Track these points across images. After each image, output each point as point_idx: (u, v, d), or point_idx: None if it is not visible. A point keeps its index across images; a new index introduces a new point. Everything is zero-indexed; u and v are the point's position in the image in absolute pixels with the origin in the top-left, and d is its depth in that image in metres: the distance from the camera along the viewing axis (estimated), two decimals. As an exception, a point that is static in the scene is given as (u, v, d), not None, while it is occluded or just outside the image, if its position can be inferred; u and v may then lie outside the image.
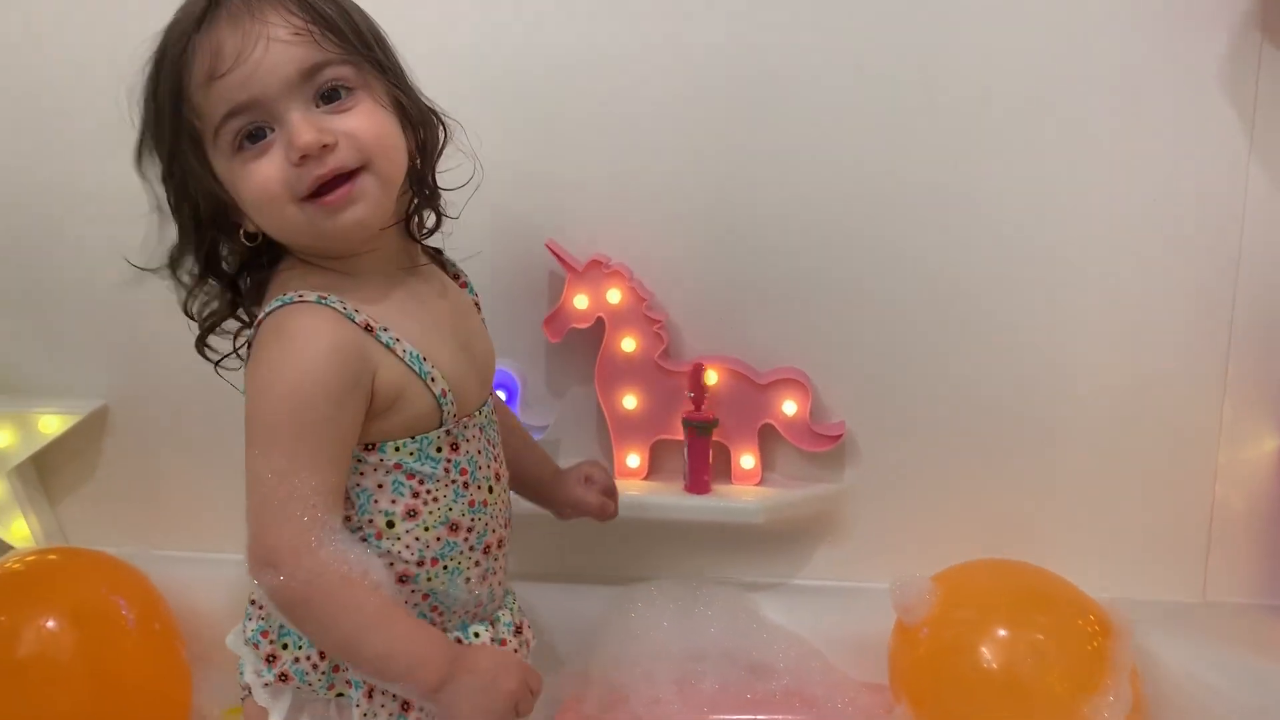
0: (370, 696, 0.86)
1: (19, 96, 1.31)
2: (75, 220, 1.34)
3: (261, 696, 0.89)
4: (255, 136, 0.80)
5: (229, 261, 0.89)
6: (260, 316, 0.84)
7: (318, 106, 0.81)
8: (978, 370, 1.28)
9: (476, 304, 1.01)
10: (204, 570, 1.34)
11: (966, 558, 1.22)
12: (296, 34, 0.79)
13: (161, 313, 1.34)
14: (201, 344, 0.91)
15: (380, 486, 0.86)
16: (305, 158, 0.79)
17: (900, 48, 1.22)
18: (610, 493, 1.14)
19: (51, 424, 1.35)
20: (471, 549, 0.91)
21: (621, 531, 1.30)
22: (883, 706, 1.16)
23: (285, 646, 0.88)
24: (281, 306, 0.82)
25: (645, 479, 1.31)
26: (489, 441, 0.93)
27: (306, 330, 0.80)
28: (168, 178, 0.85)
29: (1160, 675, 1.14)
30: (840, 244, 1.27)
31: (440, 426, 0.87)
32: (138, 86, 0.83)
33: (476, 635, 0.91)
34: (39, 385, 1.38)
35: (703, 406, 1.26)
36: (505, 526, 0.95)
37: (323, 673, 0.87)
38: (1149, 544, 1.32)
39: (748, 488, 1.29)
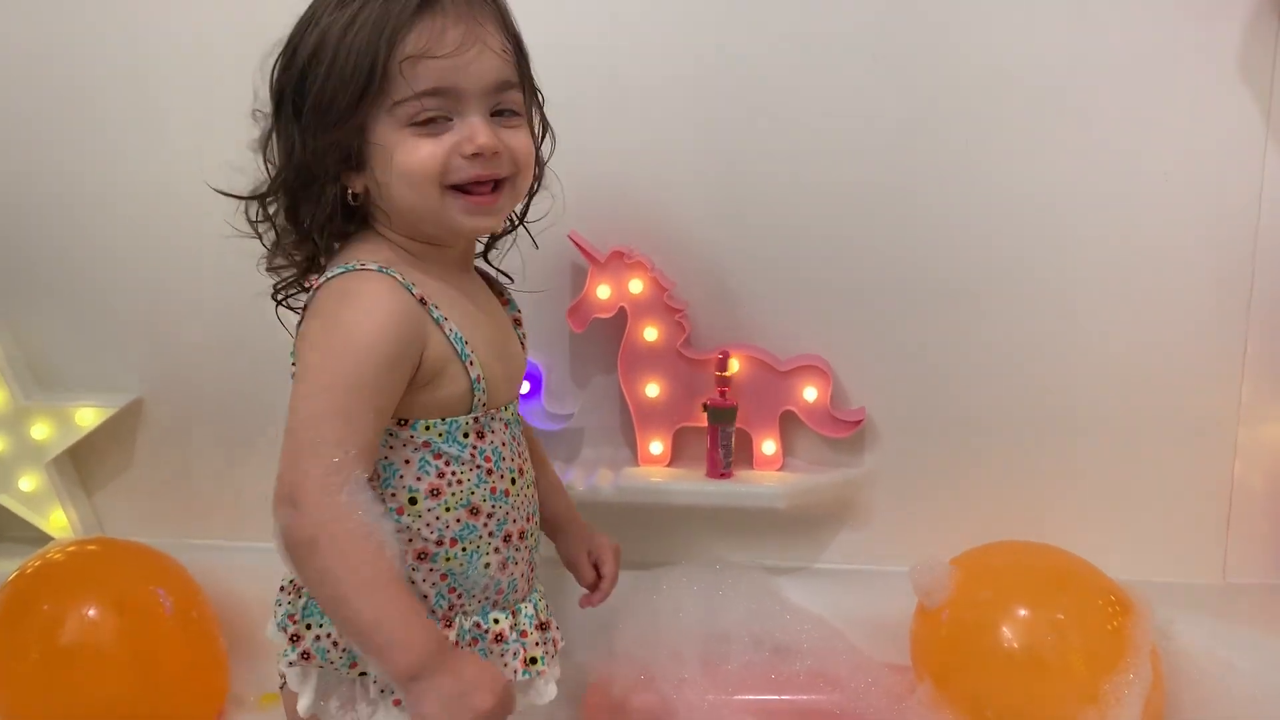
0: None
1: (56, 99, 1.34)
2: (110, 219, 1.37)
3: (292, 680, 0.92)
4: (434, 121, 0.86)
5: (309, 220, 0.92)
6: (321, 280, 0.88)
7: (491, 116, 0.88)
8: (996, 356, 1.30)
9: (517, 320, 1.04)
10: (239, 559, 1.37)
11: (986, 541, 1.23)
12: (503, 50, 0.89)
13: (194, 308, 1.39)
14: (286, 297, 0.95)
15: (407, 463, 0.88)
16: (478, 155, 0.86)
17: (915, 37, 1.23)
18: (602, 585, 1.10)
19: (88, 417, 1.38)
20: (491, 535, 0.92)
21: (645, 518, 1.32)
22: (905, 686, 1.18)
23: (309, 627, 0.90)
24: (346, 272, 0.87)
25: (668, 465, 1.33)
26: (513, 438, 0.96)
27: (370, 294, 0.85)
28: (310, 120, 0.86)
29: (1180, 655, 1.16)
30: (858, 233, 1.29)
31: (470, 412, 0.90)
32: (320, 25, 0.86)
33: (496, 621, 0.93)
34: (75, 379, 1.42)
35: (726, 394, 1.28)
36: (529, 520, 0.97)
37: (343, 650, 0.88)
38: (1169, 526, 1.33)
39: (769, 473, 1.31)
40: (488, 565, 0.92)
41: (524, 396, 1.30)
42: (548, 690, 0.95)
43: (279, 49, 0.89)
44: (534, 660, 0.93)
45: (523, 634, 0.94)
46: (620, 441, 1.36)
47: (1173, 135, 1.23)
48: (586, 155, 1.28)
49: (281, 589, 0.95)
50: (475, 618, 0.92)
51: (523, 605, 0.96)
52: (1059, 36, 1.22)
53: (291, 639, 0.90)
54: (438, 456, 0.89)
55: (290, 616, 0.91)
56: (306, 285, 0.94)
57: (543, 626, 0.97)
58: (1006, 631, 1.10)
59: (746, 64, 1.25)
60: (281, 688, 0.96)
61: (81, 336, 1.41)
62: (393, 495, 0.88)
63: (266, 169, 0.91)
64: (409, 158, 0.85)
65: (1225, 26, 1.20)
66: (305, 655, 0.89)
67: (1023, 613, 1.11)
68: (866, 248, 1.29)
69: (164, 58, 1.32)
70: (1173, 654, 1.15)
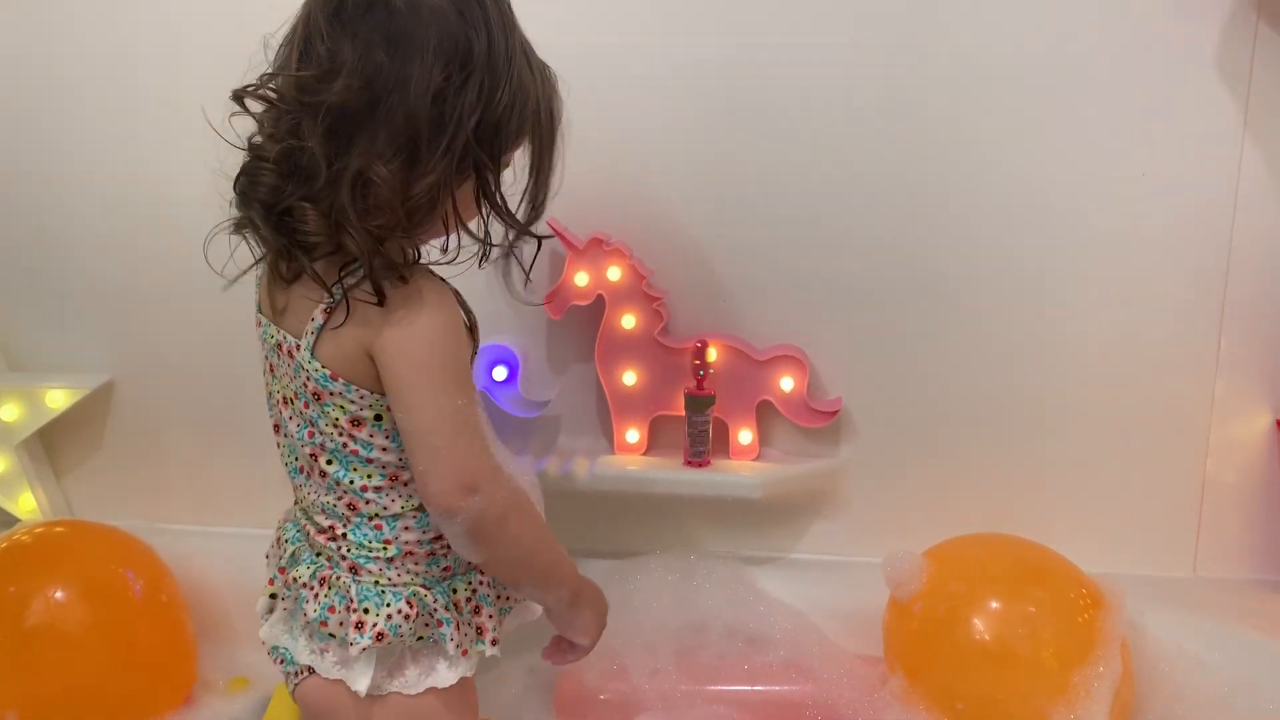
0: (458, 627, 0.91)
1: (27, 83, 1.33)
2: (83, 201, 1.35)
3: (330, 670, 0.91)
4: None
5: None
6: (380, 282, 0.83)
7: None
8: (972, 349, 1.30)
9: None
10: (209, 544, 1.37)
11: (960, 533, 1.23)
12: None
13: (167, 291, 1.37)
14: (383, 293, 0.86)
15: None
16: None
17: (897, 35, 1.23)
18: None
19: (58, 399, 1.36)
20: None
21: (621, 506, 1.32)
22: (878, 678, 1.18)
23: (367, 611, 0.89)
24: (407, 277, 0.85)
25: (644, 454, 1.33)
26: None
27: (437, 290, 0.87)
28: (469, 154, 0.84)
29: (1150, 648, 1.16)
30: (836, 225, 1.29)
31: None
32: (516, 81, 0.86)
33: (482, 584, 0.96)
34: (46, 361, 1.41)
35: (704, 383, 1.28)
36: None
37: (413, 621, 0.90)
38: (1141, 520, 1.34)
39: (745, 463, 1.31)
40: None
41: (500, 383, 1.29)
42: (536, 607, 1.00)
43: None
44: None
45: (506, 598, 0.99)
46: (597, 429, 1.36)
47: (1149, 133, 1.24)
48: (566, 143, 1.28)
49: (305, 585, 0.92)
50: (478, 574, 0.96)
51: None
52: (1038, 33, 1.22)
53: (355, 626, 0.89)
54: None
55: (330, 609, 0.90)
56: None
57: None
58: (978, 624, 1.11)
59: (727, 54, 1.25)
60: (296, 683, 0.94)
61: (53, 318, 1.40)
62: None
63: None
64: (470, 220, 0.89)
65: (1203, 25, 1.20)
66: (380, 636, 0.89)
67: (994, 605, 1.12)
68: (845, 240, 1.29)
69: (134, 41, 1.30)
70: (1142, 647, 1.16)
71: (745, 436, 1.32)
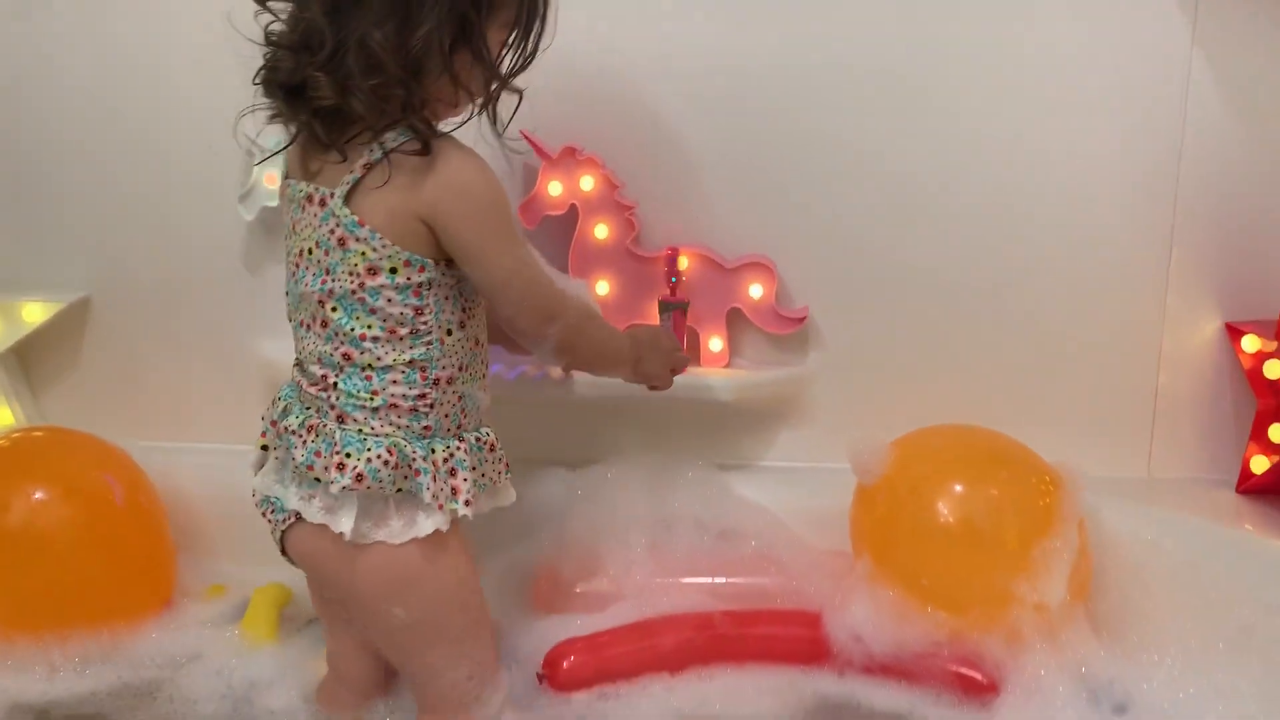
0: (435, 479, 0.97)
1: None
2: (57, 115, 1.36)
3: (315, 514, 0.97)
4: None
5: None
6: (416, 142, 0.94)
7: None
8: (933, 256, 1.34)
9: None
10: (186, 458, 1.39)
11: (926, 436, 1.27)
12: None
13: (143, 206, 1.39)
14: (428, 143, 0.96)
15: (447, 299, 0.99)
16: None
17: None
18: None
19: (35, 312, 1.37)
20: (483, 363, 1.07)
21: (594, 412, 1.35)
22: (846, 567, 1.21)
23: (348, 455, 0.95)
24: (445, 136, 0.97)
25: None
26: None
27: (469, 151, 0.98)
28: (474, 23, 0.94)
29: (1107, 535, 1.21)
30: (800, 135, 1.32)
31: None
32: None
33: (488, 434, 1.04)
34: (22, 276, 1.41)
35: (677, 291, 1.31)
36: None
37: (393, 468, 0.95)
38: (1098, 427, 1.38)
39: (716, 369, 1.34)
40: (482, 389, 1.06)
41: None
42: (511, 493, 1.08)
43: None
44: (509, 466, 1.07)
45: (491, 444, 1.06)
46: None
47: (1098, 45, 1.28)
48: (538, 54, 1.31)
49: (293, 432, 0.98)
50: (475, 432, 1.03)
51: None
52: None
53: (337, 468, 0.94)
54: (461, 295, 1.01)
55: (316, 454, 0.96)
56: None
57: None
58: (941, 505, 1.14)
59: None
60: (284, 529, 0.99)
61: (28, 233, 1.40)
62: (439, 325, 0.99)
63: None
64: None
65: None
66: (359, 477, 0.94)
67: (957, 487, 1.15)
68: (808, 151, 1.32)
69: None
70: (1100, 534, 1.20)
71: (716, 344, 1.35)
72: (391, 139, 0.93)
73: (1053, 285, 1.35)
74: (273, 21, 0.95)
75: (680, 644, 1.15)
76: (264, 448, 1.03)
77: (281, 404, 1.02)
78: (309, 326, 0.99)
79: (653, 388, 1.18)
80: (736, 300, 1.33)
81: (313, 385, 0.99)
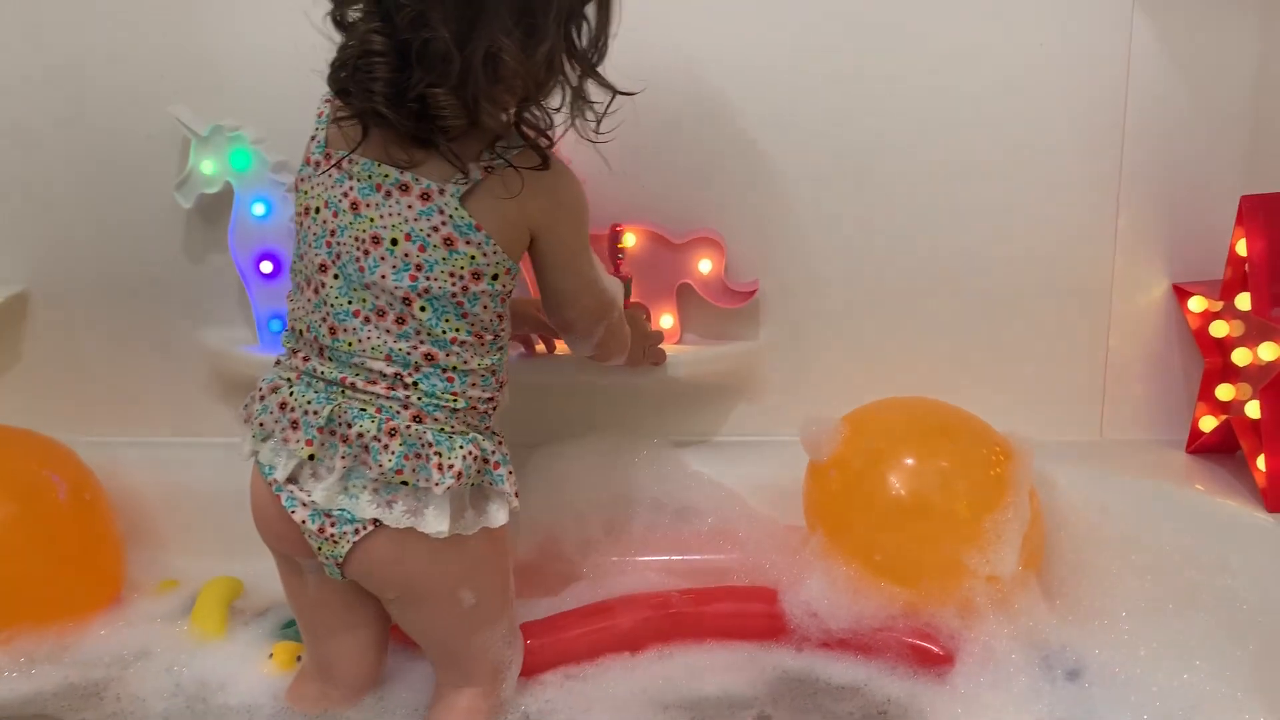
0: (510, 472, 0.99)
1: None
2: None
3: (400, 519, 0.94)
4: None
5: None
6: (536, 156, 0.95)
7: None
8: (882, 227, 1.34)
9: None
10: (132, 452, 1.36)
11: (878, 407, 1.27)
12: None
13: (78, 197, 1.35)
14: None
15: (503, 302, 1.00)
16: None
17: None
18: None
19: (-31, 308, 1.34)
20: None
21: (544, 392, 1.34)
22: (800, 541, 1.22)
23: (439, 453, 0.94)
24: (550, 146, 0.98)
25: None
26: None
27: (567, 167, 1.01)
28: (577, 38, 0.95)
29: (1060, 498, 1.22)
30: (748, 109, 1.31)
31: None
32: None
33: (501, 444, 1.02)
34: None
35: (621, 268, 1.30)
36: None
37: (479, 464, 0.96)
38: (1049, 390, 1.39)
39: (668, 345, 1.33)
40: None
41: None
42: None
43: None
44: None
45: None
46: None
47: (1045, 9, 1.27)
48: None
49: (373, 439, 0.93)
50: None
51: None
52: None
53: (437, 468, 0.93)
54: (503, 300, 0.99)
55: (405, 457, 0.93)
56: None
57: None
58: (893, 479, 1.14)
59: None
60: (355, 541, 0.95)
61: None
62: (505, 332, 1.01)
63: None
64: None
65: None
66: (459, 476, 0.94)
67: (909, 461, 1.15)
68: (756, 125, 1.31)
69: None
70: (1053, 498, 1.21)
71: (667, 320, 1.34)
72: (501, 145, 0.93)
73: (1001, 251, 1.35)
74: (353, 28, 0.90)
75: (637, 624, 1.14)
76: (311, 456, 0.95)
77: (325, 409, 0.94)
78: (369, 320, 0.94)
79: (653, 364, 1.25)
80: (686, 276, 1.32)
81: (372, 383, 0.95)
